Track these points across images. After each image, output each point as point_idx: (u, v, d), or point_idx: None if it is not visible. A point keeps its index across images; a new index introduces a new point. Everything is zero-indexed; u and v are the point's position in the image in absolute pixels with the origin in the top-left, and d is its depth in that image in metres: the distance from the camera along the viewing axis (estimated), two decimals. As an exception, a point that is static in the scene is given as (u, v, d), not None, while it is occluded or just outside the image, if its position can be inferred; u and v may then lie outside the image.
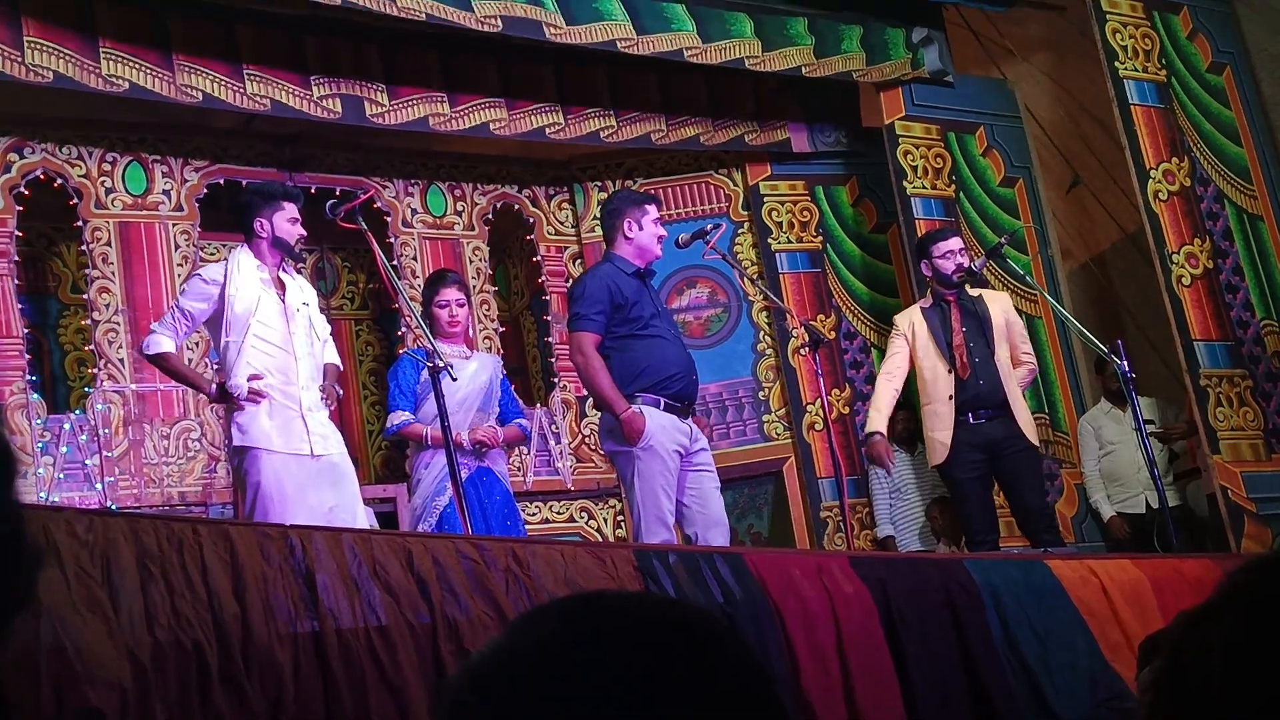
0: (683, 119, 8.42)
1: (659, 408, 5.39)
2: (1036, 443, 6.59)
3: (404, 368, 6.01)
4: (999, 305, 6.74)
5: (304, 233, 5.38)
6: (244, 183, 6.34)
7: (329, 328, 5.58)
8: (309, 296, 5.49)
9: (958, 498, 6.80)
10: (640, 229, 5.64)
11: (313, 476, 5.08)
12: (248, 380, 5.06)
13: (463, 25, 7.00)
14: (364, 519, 5.30)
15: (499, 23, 7.07)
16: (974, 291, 6.76)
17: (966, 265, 6.59)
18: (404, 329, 8.11)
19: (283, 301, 5.27)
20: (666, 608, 1.00)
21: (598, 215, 8.78)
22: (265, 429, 5.06)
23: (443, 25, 6.98)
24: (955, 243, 6.68)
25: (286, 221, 5.30)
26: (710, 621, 0.99)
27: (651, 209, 5.73)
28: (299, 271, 5.72)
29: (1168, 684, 1.05)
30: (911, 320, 6.74)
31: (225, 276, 5.23)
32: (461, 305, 6.02)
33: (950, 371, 6.52)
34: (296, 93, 7.25)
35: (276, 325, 5.20)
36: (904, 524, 8.10)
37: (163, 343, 5.26)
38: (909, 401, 8.53)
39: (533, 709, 0.91)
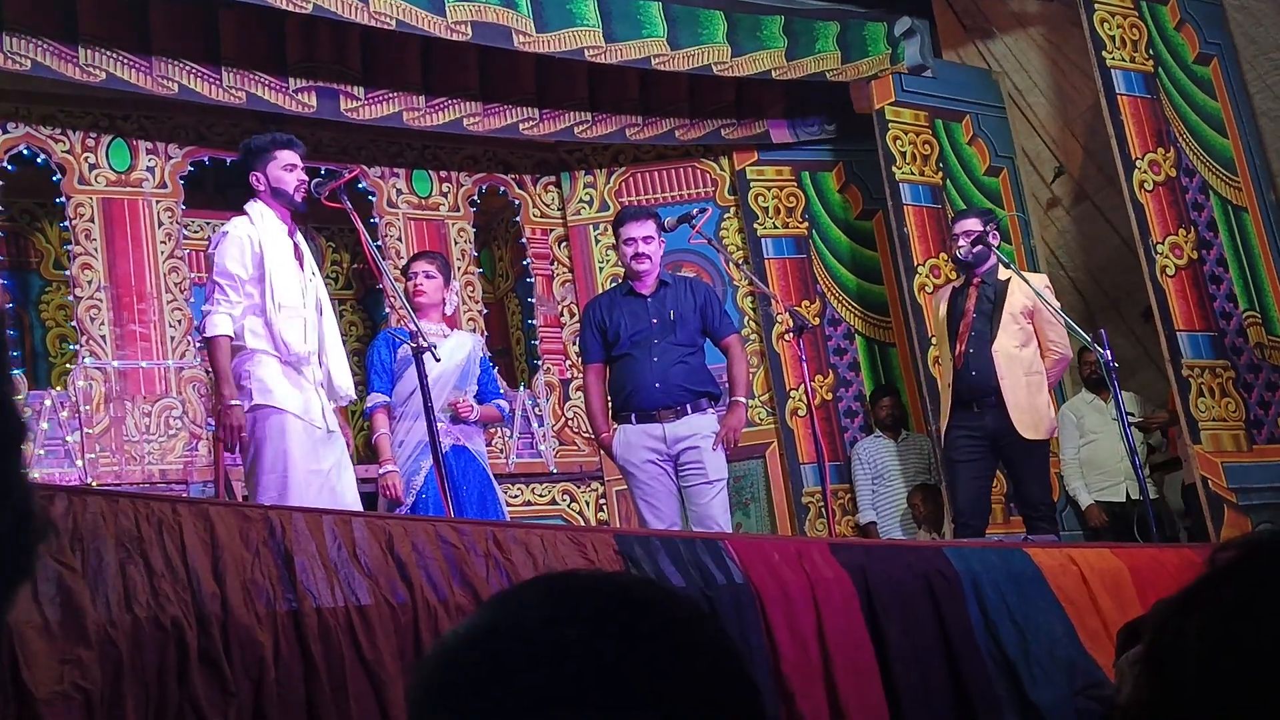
0: (659, 114, 8.43)
1: (632, 423, 5.80)
2: (1034, 435, 6.34)
3: (378, 347, 5.97)
4: (1023, 290, 6.43)
5: (305, 179, 5.11)
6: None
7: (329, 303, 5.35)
8: (316, 267, 5.33)
9: (947, 480, 6.80)
10: (620, 253, 6.03)
11: (320, 442, 4.99)
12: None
13: (432, 32, 7.04)
14: (352, 475, 5.21)
15: (469, 29, 7.15)
16: (1004, 274, 6.52)
17: (967, 248, 6.48)
18: (388, 309, 8.09)
19: (301, 268, 5.12)
20: (640, 588, 1.00)
21: (584, 198, 8.80)
22: (287, 392, 4.92)
23: (413, 31, 7.01)
24: (960, 225, 6.56)
25: (281, 169, 5.09)
26: (684, 602, 0.99)
27: (624, 229, 5.95)
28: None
29: (1148, 669, 1.05)
30: (940, 300, 6.73)
31: (259, 232, 4.99)
32: (431, 278, 5.95)
33: (952, 359, 6.51)
34: (273, 85, 7.26)
35: (294, 292, 5.02)
36: (886, 510, 8.12)
37: (219, 324, 4.92)
38: (894, 387, 8.56)
39: (505, 687, 0.91)
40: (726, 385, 6.11)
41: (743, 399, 5.97)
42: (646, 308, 5.90)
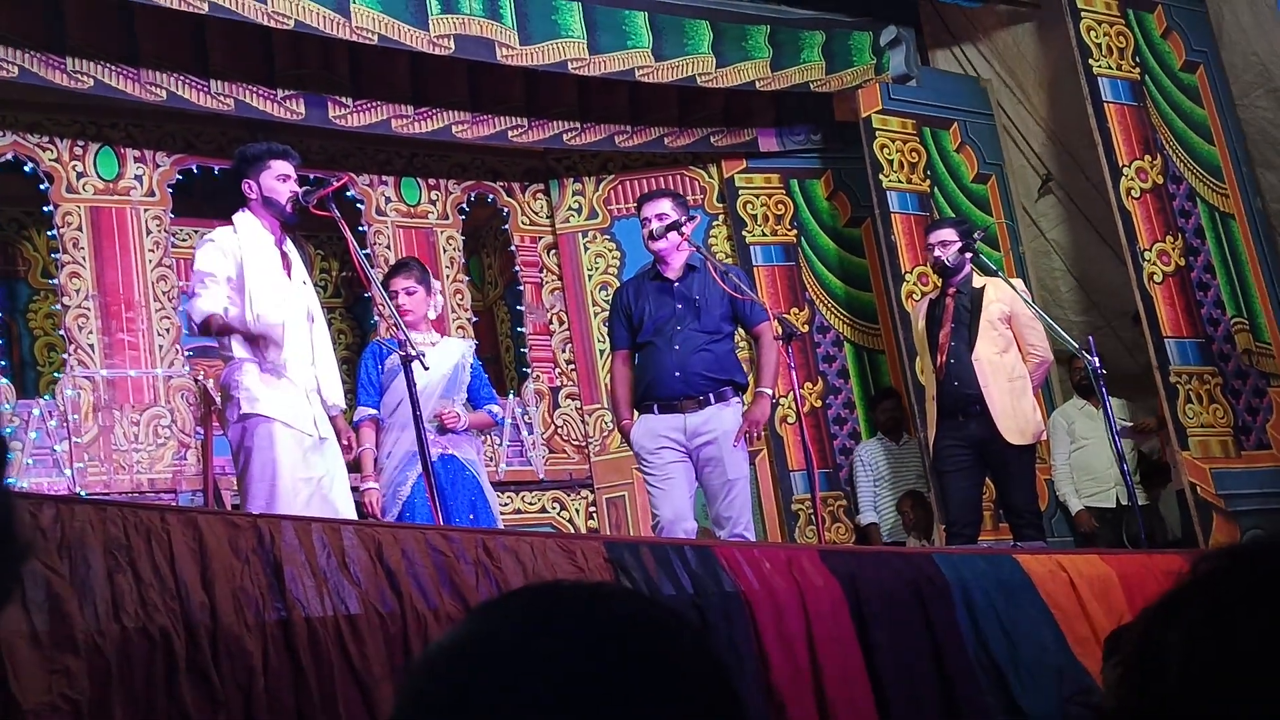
0: (649, 122, 8.43)
1: (654, 413, 5.68)
2: (1020, 441, 6.30)
3: (365, 359, 5.96)
4: (999, 295, 6.43)
5: (297, 190, 5.08)
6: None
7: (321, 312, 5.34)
8: (307, 275, 5.32)
9: (938, 490, 6.80)
10: (643, 239, 5.91)
11: (310, 449, 4.97)
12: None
13: (415, 47, 7.05)
14: (346, 484, 5.20)
15: (451, 44, 7.16)
16: (979, 281, 6.53)
17: (941, 258, 6.51)
18: (377, 317, 8.09)
19: (288, 276, 5.09)
20: (624, 599, 0.99)
21: (572, 206, 8.81)
22: (274, 400, 4.90)
23: (396, 46, 7.01)
24: (934, 235, 6.59)
25: (274, 179, 5.07)
26: (668, 613, 0.98)
27: (640, 211, 5.91)
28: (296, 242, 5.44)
29: (1130, 677, 1.05)
30: (918, 313, 6.74)
31: (240, 241, 4.99)
32: (412, 293, 5.90)
33: (934, 370, 6.51)
34: (261, 92, 7.25)
35: (276, 302, 4.99)
36: (883, 514, 8.11)
37: (203, 306, 4.93)
38: (894, 390, 8.56)
39: (489, 698, 0.91)
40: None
41: (768, 389, 5.75)
42: (672, 292, 5.76)
